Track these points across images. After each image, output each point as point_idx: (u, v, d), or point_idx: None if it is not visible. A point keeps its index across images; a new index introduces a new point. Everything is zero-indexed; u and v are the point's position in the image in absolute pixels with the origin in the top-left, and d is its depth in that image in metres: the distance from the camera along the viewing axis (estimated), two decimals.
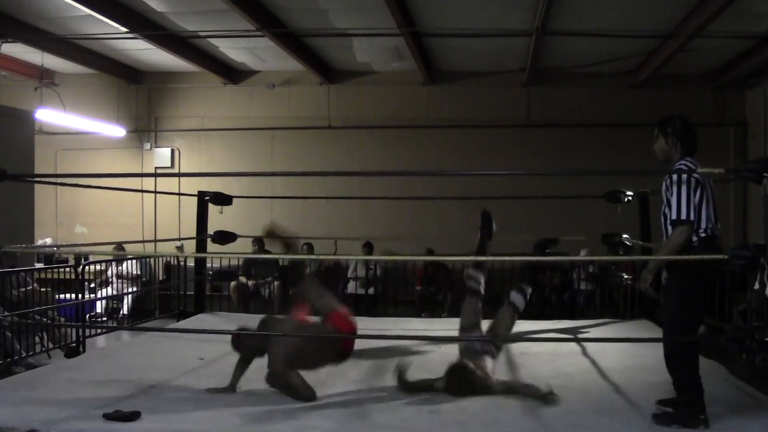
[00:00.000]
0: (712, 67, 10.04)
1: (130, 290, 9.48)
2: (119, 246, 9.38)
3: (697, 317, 3.67)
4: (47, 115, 9.60)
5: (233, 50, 9.96)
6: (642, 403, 3.86)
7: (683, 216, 3.50)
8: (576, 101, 10.64)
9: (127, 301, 9.49)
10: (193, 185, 8.90)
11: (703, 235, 3.55)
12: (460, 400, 4.09)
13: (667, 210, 3.60)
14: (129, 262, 9.56)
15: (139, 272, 9.94)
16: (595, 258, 7.58)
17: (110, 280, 9.77)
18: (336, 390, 4.31)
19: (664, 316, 3.81)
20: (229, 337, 4.47)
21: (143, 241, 10.79)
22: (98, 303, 9.30)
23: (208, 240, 7.17)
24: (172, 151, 11.30)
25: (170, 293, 9.46)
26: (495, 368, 4.43)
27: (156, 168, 11.10)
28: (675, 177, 3.55)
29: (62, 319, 7.29)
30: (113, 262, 9.59)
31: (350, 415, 3.82)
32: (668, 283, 3.70)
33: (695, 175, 3.53)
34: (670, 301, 3.68)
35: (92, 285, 9.41)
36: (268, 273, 9.94)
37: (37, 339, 6.40)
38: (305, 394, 4.02)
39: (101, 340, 7.43)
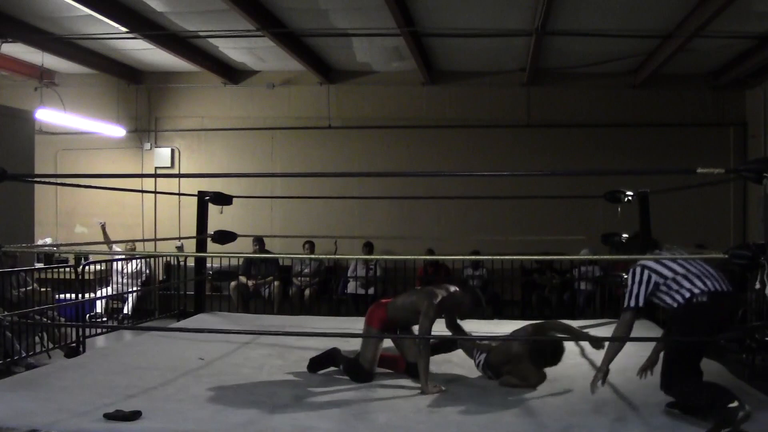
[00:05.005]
0: (712, 67, 10.03)
1: (130, 290, 9.49)
2: (132, 245, 9.52)
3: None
4: (47, 115, 9.59)
5: (233, 50, 9.96)
6: (641, 404, 3.87)
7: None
8: (576, 101, 10.63)
9: (129, 301, 9.51)
10: (193, 185, 8.91)
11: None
12: (460, 400, 4.09)
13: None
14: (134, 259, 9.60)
15: (148, 271, 9.98)
16: (596, 257, 7.58)
17: (110, 279, 9.80)
18: (336, 390, 4.32)
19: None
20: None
21: (143, 240, 10.79)
22: (98, 303, 9.31)
23: (208, 240, 7.17)
24: (172, 151, 11.30)
25: (170, 293, 9.47)
26: None
27: (156, 168, 11.10)
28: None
29: (62, 319, 7.29)
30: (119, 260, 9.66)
31: (350, 415, 3.82)
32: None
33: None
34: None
35: (106, 282, 9.49)
36: (268, 273, 9.96)
37: (37, 339, 6.41)
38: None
39: (101, 340, 7.44)
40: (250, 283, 9.91)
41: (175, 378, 4.56)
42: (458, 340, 5.00)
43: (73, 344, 6.43)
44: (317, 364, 4.80)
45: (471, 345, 4.87)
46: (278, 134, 11.09)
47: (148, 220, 11.23)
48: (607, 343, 3.91)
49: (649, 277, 3.75)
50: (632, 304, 3.77)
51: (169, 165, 11.18)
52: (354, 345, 4.92)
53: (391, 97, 10.90)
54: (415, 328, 4.89)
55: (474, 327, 6.31)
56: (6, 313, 5.87)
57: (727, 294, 3.63)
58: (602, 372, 3.78)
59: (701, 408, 3.54)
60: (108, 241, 9.24)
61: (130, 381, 4.40)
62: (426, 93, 10.89)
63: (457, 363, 5.05)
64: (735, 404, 3.38)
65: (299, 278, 10.17)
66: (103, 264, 9.64)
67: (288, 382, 4.55)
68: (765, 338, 3.70)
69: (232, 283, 9.81)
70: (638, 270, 3.80)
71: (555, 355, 4.53)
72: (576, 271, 9.69)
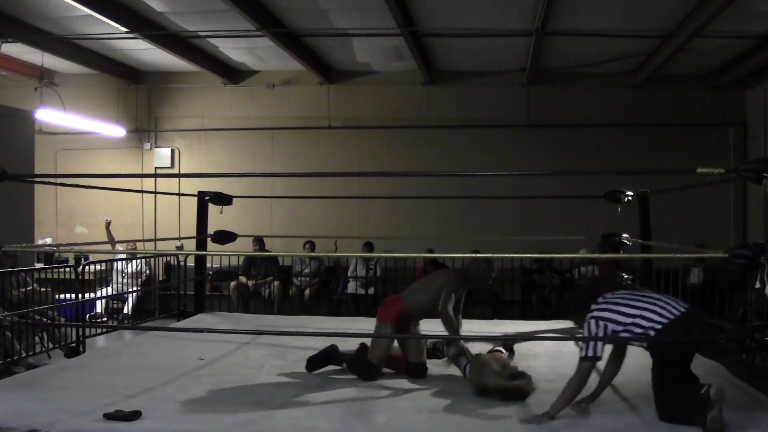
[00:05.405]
0: (712, 67, 10.03)
1: (131, 290, 9.49)
2: (132, 245, 9.53)
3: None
4: (47, 115, 9.59)
5: (233, 50, 9.96)
6: (641, 403, 3.86)
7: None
8: (576, 101, 10.64)
9: (129, 301, 9.51)
10: (193, 185, 8.91)
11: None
12: (460, 400, 4.09)
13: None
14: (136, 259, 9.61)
15: (148, 271, 9.98)
16: (596, 255, 7.59)
17: (110, 279, 9.80)
18: (336, 390, 4.32)
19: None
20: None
21: (143, 240, 10.79)
22: (98, 303, 9.31)
23: (208, 240, 7.17)
24: (172, 151, 11.30)
25: (170, 293, 9.47)
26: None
27: (156, 168, 11.10)
28: None
29: (62, 319, 7.29)
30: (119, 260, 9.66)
31: (350, 415, 3.82)
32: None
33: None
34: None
35: (106, 282, 9.50)
36: (268, 273, 9.96)
37: (37, 339, 6.41)
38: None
39: (101, 340, 7.43)
40: (250, 283, 9.91)
41: (175, 378, 4.56)
42: (448, 353, 4.93)
43: (73, 344, 6.43)
44: (315, 363, 4.80)
45: (458, 353, 4.77)
46: (278, 134, 11.09)
47: (148, 220, 11.23)
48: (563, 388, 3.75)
49: (605, 328, 3.68)
50: (590, 354, 3.67)
51: (169, 165, 11.18)
52: (352, 344, 4.92)
53: (391, 97, 10.90)
54: (421, 327, 4.89)
55: (474, 327, 6.33)
56: (6, 313, 5.87)
57: (686, 314, 3.58)
58: (549, 417, 3.61)
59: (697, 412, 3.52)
60: (111, 239, 9.25)
61: (130, 381, 4.40)
62: (426, 93, 10.89)
63: None
64: (704, 389, 3.36)
65: (299, 278, 10.17)
66: (103, 264, 9.64)
67: (288, 382, 4.55)
68: (765, 338, 3.69)
69: (232, 283, 9.81)
70: (593, 323, 3.73)
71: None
72: (576, 271, 9.69)
